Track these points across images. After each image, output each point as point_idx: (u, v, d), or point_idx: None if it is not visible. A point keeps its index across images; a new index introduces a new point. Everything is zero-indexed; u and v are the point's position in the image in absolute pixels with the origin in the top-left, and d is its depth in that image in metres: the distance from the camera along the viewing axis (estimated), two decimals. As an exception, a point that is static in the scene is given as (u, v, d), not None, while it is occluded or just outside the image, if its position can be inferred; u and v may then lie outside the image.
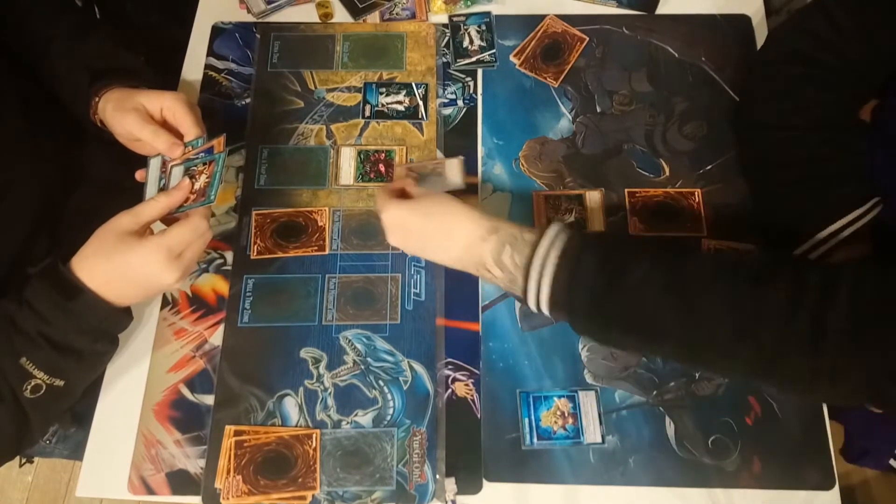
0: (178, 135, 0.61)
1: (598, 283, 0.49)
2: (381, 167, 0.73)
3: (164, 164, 0.61)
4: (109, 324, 0.57)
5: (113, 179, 0.71)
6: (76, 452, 0.76)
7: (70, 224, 0.69)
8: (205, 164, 0.59)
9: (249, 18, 0.83)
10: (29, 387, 0.53)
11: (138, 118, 0.60)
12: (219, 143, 0.59)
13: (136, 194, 0.66)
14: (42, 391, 0.53)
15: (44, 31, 0.68)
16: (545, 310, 0.52)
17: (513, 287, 0.53)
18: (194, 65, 0.80)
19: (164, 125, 0.61)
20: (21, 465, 0.64)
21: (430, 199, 0.57)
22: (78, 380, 0.57)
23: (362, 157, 0.74)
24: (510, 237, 0.52)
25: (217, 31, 0.82)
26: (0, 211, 0.61)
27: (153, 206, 0.56)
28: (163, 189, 0.60)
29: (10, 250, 0.62)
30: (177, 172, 0.60)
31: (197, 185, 0.58)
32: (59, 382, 0.54)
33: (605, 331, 0.52)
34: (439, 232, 0.56)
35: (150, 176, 0.61)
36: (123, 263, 0.54)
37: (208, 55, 0.80)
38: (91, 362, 0.57)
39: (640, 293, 0.48)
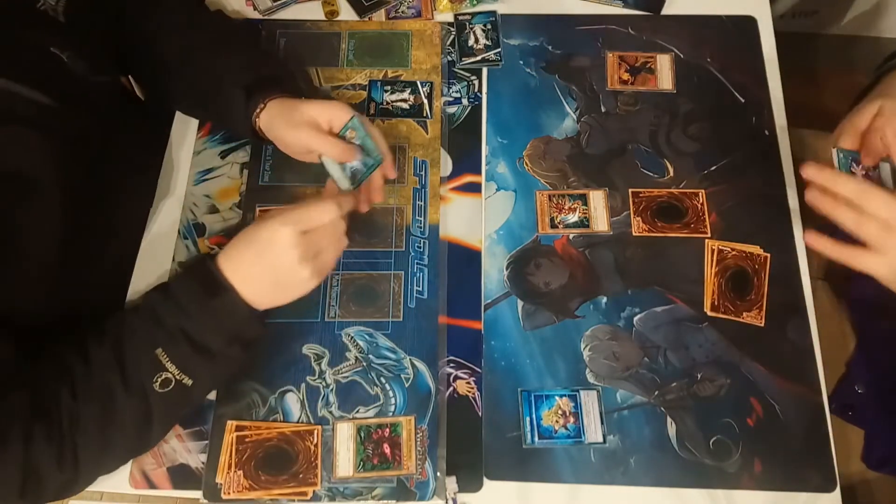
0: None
1: None
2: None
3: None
4: (245, 328, 0.56)
5: (138, 161, 0.72)
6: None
7: (92, 203, 0.67)
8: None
9: (255, 15, 0.83)
10: (159, 380, 0.52)
11: (312, 132, 0.60)
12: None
13: (155, 173, 0.67)
14: (171, 386, 0.53)
15: (178, 42, 0.68)
16: None
17: None
18: (200, 61, 0.80)
19: (331, 133, 0.62)
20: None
21: None
22: (205, 382, 0.56)
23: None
24: None
25: (223, 28, 0.82)
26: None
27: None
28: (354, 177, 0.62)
29: (56, 228, 0.59)
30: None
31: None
32: (188, 381, 0.53)
33: None
34: None
35: (335, 174, 0.61)
36: (255, 242, 0.54)
37: (214, 51, 0.81)
38: (221, 366, 0.56)
39: None
